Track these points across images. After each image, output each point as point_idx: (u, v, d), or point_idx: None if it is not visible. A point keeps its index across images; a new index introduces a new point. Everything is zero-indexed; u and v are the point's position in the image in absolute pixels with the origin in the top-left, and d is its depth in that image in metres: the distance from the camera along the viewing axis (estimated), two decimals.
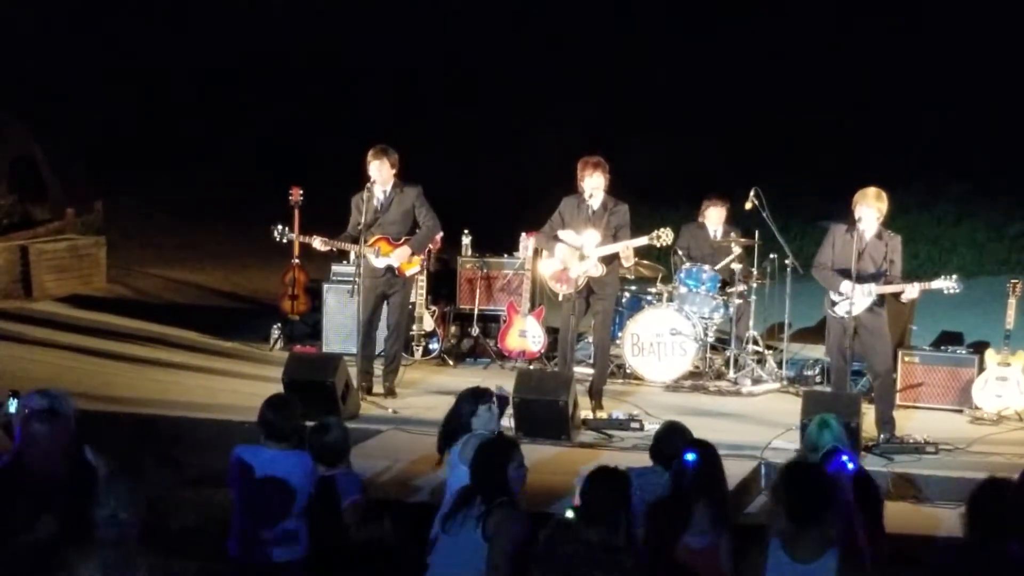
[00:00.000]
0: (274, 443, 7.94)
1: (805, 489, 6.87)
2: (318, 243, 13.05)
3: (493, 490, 7.27)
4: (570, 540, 6.81)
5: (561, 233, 12.59)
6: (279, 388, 11.47)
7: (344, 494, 8.10)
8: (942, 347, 13.93)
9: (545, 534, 6.92)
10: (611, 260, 12.63)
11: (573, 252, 12.48)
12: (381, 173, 12.78)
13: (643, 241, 12.47)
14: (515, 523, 7.15)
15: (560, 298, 12.81)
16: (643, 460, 8.47)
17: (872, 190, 11.76)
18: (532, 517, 7.45)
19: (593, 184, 12.45)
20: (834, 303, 11.79)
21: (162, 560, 6.20)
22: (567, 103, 20.03)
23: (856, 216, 11.70)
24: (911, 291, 11.72)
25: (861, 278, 11.62)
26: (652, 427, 9.27)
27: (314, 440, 8.31)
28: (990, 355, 13.00)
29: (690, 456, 7.41)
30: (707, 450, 7.65)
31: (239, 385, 13.19)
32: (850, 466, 7.83)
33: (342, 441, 8.45)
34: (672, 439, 8.32)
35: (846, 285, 11.62)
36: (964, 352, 13.58)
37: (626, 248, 12.48)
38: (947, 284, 11.72)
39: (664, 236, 12.56)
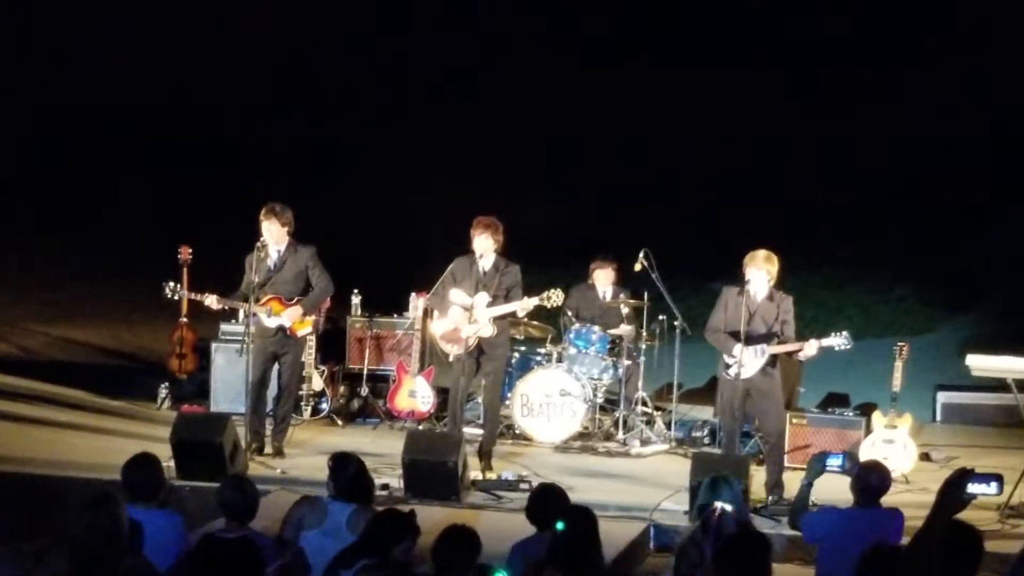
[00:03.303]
0: (141, 504, 7.82)
1: (748, 562, 6.81)
2: (211, 301, 12.95)
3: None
4: None
5: (452, 293, 12.62)
6: (167, 448, 11.38)
7: (269, 558, 7.97)
8: (829, 409, 14.06)
9: None
10: (502, 321, 12.67)
11: (464, 313, 12.50)
12: (273, 232, 12.72)
13: (534, 302, 12.53)
14: None
15: (451, 358, 12.81)
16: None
17: (762, 252, 11.89)
18: None
19: (483, 246, 12.52)
20: (727, 365, 11.88)
21: None
22: (457, 162, 20.07)
23: (746, 278, 11.83)
24: (809, 348, 11.81)
25: (753, 340, 11.73)
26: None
27: (228, 496, 8.17)
28: (877, 417, 13.13)
29: (559, 525, 7.36)
30: (582, 516, 7.62)
31: (127, 445, 12.93)
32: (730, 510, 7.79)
33: (256, 496, 8.38)
34: (547, 502, 8.35)
35: (737, 348, 11.71)
36: (851, 414, 13.72)
37: (522, 308, 12.55)
38: (839, 341, 11.85)
39: (555, 297, 12.63)
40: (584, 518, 7.60)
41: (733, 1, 21.47)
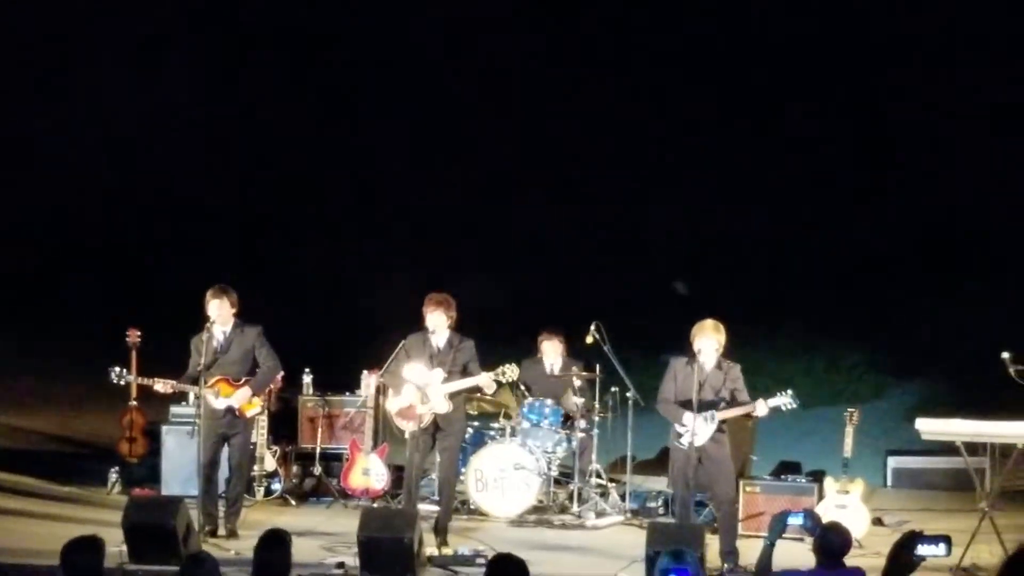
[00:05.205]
0: None
1: None
2: (159, 386, 12.90)
3: None
4: None
5: (406, 370, 12.61)
6: (118, 532, 11.29)
7: None
8: (782, 476, 14.10)
9: None
10: (458, 396, 12.69)
11: (419, 390, 12.50)
12: (221, 313, 12.72)
13: (489, 376, 12.52)
14: None
15: (406, 435, 12.80)
16: None
17: (709, 322, 11.99)
18: None
19: (436, 322, 12.54)
20: (678, 435, 11.93)
21: None
22: (400, 239, 20.13)
23: (695, 348, 11.91)
24: (761, 408, 11.87)
25: (703, 408, 11.79)
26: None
27: (192, 572, 8.12)
28: (829, 483, 13.18)
29: None
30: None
31: (79, 530, 12.76)
32: None
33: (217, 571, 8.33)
34: (506, 570, 8.34)
35: (688, 417, 11.77)
36: (804, 480, 13.76)
37: (486, 385, 12.55)
38: (784, 400, 11.93)
39: (509, 372, 12.64)
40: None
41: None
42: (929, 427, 12.47)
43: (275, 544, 8.48)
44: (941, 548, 6.18)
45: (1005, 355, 11.88)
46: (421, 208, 20.14)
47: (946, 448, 13.40)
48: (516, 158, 20.84)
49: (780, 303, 19.22)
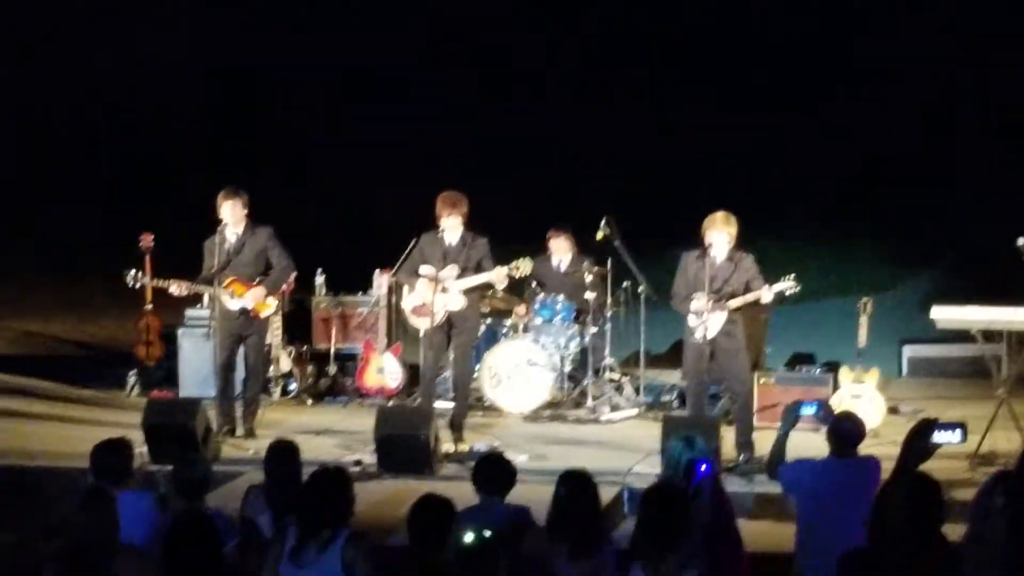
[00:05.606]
0: (114, 487, 7.85)
1: (666, 513, 6.95)
2: (174, 288, 12.93)
3: (336, 517, 7.21)
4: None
5: (421, 268, 12.64)
6: (139, 434, 11.38)
7: (226, 535, 8.01)
8: (796, 367, 14.14)
9: None
10: (472, 293, 12.71)
11: (433, 286, 12.52)
12: (233, 214, 12.73)
13: (503, 271, 12.55)
14: (372, 554, 7.15)
15: (421, 333, 12.83)
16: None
17: (720, 214, 11.97)
18: None
19: (450, 224, 12.53)
20: (692, 329, 11.94)
21: None
22: (419, 135, 20.00)
23: (707, 242, 11.90)
24: (766, 294, 11.89)
25: (715, 301, 11.79)
26: (513, 457, 9.33)
27: (183, 475, 8.24)
28: (844, 373, 13.21)
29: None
30: (580, 480, 7.73)
31: (99, 433, 12.83)
32: (703, 468, 7.88)
33: (209, 474, 8.47)
34: (492, 469, 8.47)
35: (699, 304, 11.76)
36: (818, 371, 13.81)
37: (498, 280, 12.58)
38: (787, 284, 11.97)
39: (523, 266, 12.67)
40: (582, 482, 7.69)
41: None
42: (944, 315, 12.48)
43: (282, 455, 8.61)
44: (957, 435, 6.17)
45: (1021, 241, 11.86)
46: (431, 103, 20.00)
47: (962, 336, 13.34)
48: (524, 54, 20.68)
49: (787, 192, 19.10)
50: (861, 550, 6.45)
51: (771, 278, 12.12)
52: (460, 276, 12.56)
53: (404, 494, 10.72)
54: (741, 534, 8.20)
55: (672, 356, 15.00)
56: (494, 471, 8.53)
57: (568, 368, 14.51)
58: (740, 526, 8.30)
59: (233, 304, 12.76)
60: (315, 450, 11.46)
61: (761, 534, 9.71)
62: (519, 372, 14.15)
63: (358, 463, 11.68)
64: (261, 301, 12.84)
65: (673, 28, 20.06)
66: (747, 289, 11.95)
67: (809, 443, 9.54)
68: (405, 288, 13.19)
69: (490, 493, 8.37)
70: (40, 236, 20.24)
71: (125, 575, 6.98)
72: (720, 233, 11.88)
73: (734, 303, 11.90)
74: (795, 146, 19.35)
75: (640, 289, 14.38)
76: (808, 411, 8.70)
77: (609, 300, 14.54)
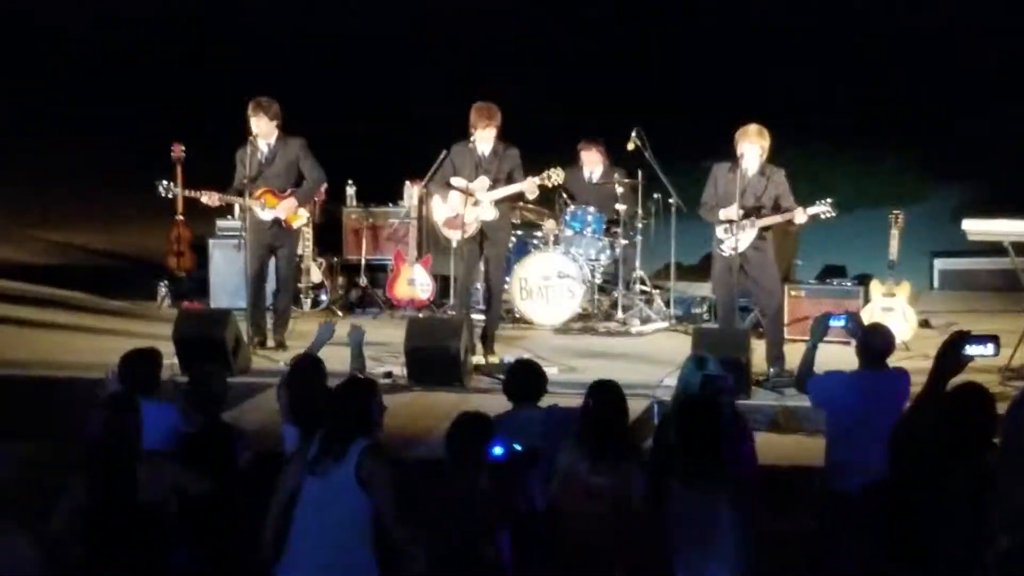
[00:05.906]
0: (141, 397, 7.90)
1: (698, 423, 6.99)
2: (205, 198, 12.96)
3: (358, 427, 7.19)
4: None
5: (453, 180, 12.61)
6: (169, 345, 11.41)
7: (240, 446, 8.08)
8: (827, 280, 14.11)
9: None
10: (504, 204, 12.70)
11: (465, 197, 12.50)
12: (262, 127, 12.70)
13: (535, 182, 12.53)
14: (390, 466, 7.13)
15: (453, 244, 12.84)
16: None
17: (753, 127, 11.88)
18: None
19: (484, 136, 12.48)
20: (720, 241, 11.91)
21: None
22: (446, 46, 19.91)
23: (739, 153, 11.82)
24: (800, 216, 11.81)
25: (744, 214, 11.74)
26: (545, 370, 9.34)
27: (199, 388, 8.27)
28: (875, 286, 13.18)
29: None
30: (609, 390, 7.73)
31: (130, 343, 12.96)
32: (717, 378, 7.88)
33: (225, 387, 8.51)
34: (523, 376, 8.51)
35: (728, 211, 11.71)
36: (849, 284, 13.77)
37: (529, 190, 12.55)
38: (823, 208, 11.86)
39: (555, 176, 12.67)
40: (611, 393, 7.70)
41: None
42: (976, 228, 12.43)
43: (304, 371, 8.58)
44: (990, 348, 6.16)
45: None
46: (461, 12, 19.89)
47: (993, 249, 13.31)
48: None
49: (818, 104, 18.97)
50: (884, 482, 6.47)
51: (800, 192, 12.06)
52: (491, 187, 12.53)
53: (434, 407, 10.83)
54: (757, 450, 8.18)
55: (703, 268, 14.95)
56: (526, 378, 8.56)
57: (599, 280, 14.50)
58: (769, 440, 8.32)
59: (265, 215, 12.78)
60: (344, 361, 11.50)
61: (789, 447, 9.75)
62: (549, 284, 14.15)
63: (389, 375, 11.72)
64: (293, 212, 12.85)
65: None
66: (776, 204, 11.89)
67: (840, 357, 9.54)
68: (435, 199, 13.18)
69: (522, 400, 8.40)
70: (69, 147, 20.24)
71: (147, 481, 7.06)
72: (752, 146, 11.80)
73: (765, 221, 11.85)
74: (829, 52, 19.20)
75: (671, 200, 14.34)
76: (837, 323, 8.70)
77: (640, 212, 14.51)
